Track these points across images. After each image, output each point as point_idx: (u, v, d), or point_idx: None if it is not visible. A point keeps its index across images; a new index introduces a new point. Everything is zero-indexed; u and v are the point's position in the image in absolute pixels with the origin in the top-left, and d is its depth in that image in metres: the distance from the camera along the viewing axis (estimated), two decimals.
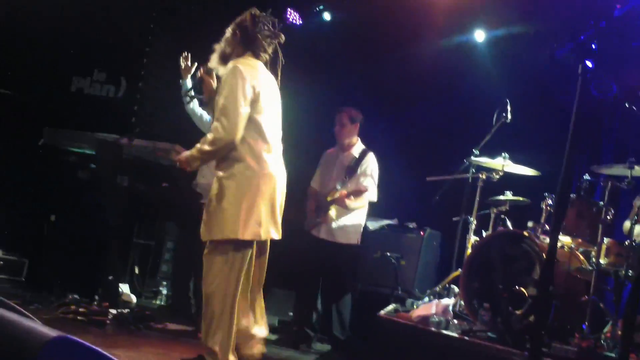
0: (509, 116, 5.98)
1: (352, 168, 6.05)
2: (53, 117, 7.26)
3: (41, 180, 6.42)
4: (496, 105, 6.09)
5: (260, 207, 3.99)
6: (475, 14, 7.43)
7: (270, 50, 4.27)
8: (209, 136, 4.00)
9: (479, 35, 7.54)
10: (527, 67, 6.87)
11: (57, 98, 7.99)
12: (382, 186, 6.14)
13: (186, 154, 4.13)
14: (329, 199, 5.92)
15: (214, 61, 4.23)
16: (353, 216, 5.99)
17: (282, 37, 4.28)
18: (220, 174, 4.02)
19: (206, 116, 5.63)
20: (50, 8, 7.64)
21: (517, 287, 5.04)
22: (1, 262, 6.26)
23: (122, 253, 6.22)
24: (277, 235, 4.16)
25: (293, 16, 8.11)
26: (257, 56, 4.22)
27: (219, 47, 4.23)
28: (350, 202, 5.84)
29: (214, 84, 4.33)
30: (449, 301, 5.41)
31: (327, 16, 8.14)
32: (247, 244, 4.00)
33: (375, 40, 7.95)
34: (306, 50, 8.22)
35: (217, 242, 3.98)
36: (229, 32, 4.22)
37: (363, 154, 6.11)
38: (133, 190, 5.90)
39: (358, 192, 5.83)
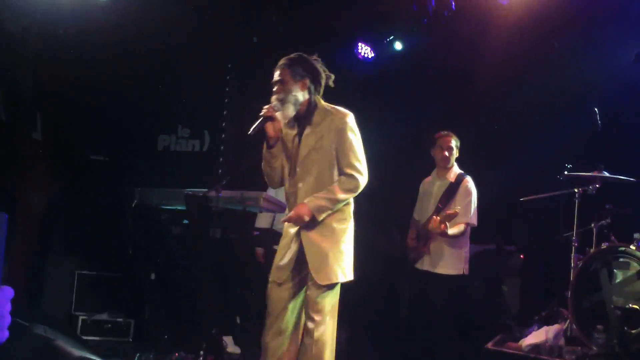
0: (600, 125, 5.76)
1: (449, 194, 5.83)
2: (144, 177, 7.48)
3: (137, 241, 6.58)
4: (584, 116, 5.89)
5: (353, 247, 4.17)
6: (553, 23, 7.25)
7: None
8: (347, 184, 4.03)
9: (557, 44, 7.33)
10: (612, 73, 6.62)
11: (146, 158, 8.23)
12: (477, 210, 5.97)
13: (305, 205, 4.01)
14: (430, 227, 5.71)
15: (288, 111, 4.09)
16: (454, 244, 5.72)
17: (333, 77, 4.24)
18: (329, 217, 4.04)
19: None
20: (129, 69, 7.91)
21: (630, 305, 4.80)
22: (109, 325, 6.43)
23: (222, 305, 6.27)
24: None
25: (364, 50, 8.13)
26: (320, 95, 4.21)
27: (287, 96, 4.08)
28: (446, 229, 5.53)
29: (280, 125, 4.17)
30: (559, 326, 5.19)
31: (398, 46, 8.09)
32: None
33: (449, 62, 7.86)
34: (380, 81, 8.24)
35: (330, 286, 4.02)
36: (290, 78, 4.09)
37: (459, 179, 5.87)
38: (226, 242, 5.96)
39: (449, 217, 5.50)
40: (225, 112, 8.10)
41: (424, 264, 5.79)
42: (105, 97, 7.90)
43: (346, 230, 4.09)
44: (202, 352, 5.53)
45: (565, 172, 5.77)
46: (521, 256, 6.54)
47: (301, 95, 4.10)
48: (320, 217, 4.00)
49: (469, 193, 5.78)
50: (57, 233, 7.51)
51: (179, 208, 6.46)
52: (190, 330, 5.88)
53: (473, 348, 5.48)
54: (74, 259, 7.25)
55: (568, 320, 5.29)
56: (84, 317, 6.75)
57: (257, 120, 4.05)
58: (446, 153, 5.90)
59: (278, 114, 4.05)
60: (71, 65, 7.44)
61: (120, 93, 7.97)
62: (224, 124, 8.03)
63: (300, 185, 4.12)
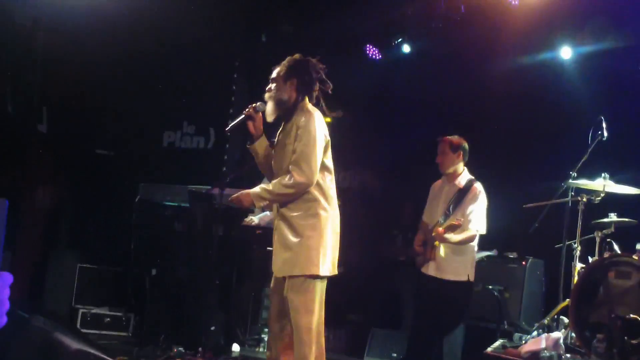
0: (605, 134, 5.74)
1: (457, 200, 5.73)
2: (148, 173, 7.50)
3: (140, 236, 6.59)
4: (590, 124, 5.86)
5: (333, 245, 4.20)
6: (561, 30, 7.24)
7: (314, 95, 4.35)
8: (287, 180, 4.09)
9: (566, 52, 7.31)
10: (619, 82, 6.60)
11: (151, 153, 8.24)
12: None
13: (248, 192, 4.18)
14: (434, 234, 5.71)
15: (270, 110, 4.23)
16: (461, 251, 5.65)
17: (331, 86, 4.32)
18: (293, 213, 4.13)
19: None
20: (136, 65, 7.92)
21: (631, 315, 4.78)
22: (108, 319, 6.45)
23: (222, 302, 6.27)
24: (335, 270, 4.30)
25: (372, 52, 8.13)
26: (311, 101, 4.28)
27: (274, 94, 4.22)
28: (451, 237, 5.49)
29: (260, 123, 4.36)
30: (559, 334, 5.17)
31: (406, 48, 8.08)
32: (323, 279, 4.16)
33: (458, 65, 7.86)
34: (388, 84, 8.23)
35: (297, 279, 4.09)
36: (281, 78, 4.22)
37: (469, 185, 5.76)
38: (228, 239, 5.97)
39: (454, 227, 5.45)
40: (231, 110, 8.10)
41: (430, 269, 5.71)
42: (111, 92, 7.92)
43: (314, 227, 4.12)
44: (200, 349, 5.55)
45: (570, 180, 5.74)
46: (523, 263, 6.52)
47: (287, 96, 4.21)
48: (259, 204, 4.27)
49: (477, 200, 5.67)
50: (61, 226, 7.54)
51: (183, 204, 6.49)
52: (189, 326, 5.89)
53: (473, 354, 5.46)
54: (76, 252, 7.27)
55: (568, 329, 5.28)
56: (84, 311, 6.76)
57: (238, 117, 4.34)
58: (439, 158, 5.86)
59: (258, 115, 4.28)
60: (78, 59, 7.47)
61: (127, 88, 7.99)
62: (229, 122, 8.04)
63: (273, 181, 4.27)
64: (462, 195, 5.71)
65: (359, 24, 7.99)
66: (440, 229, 5.47)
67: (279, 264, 4.17)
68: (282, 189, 4.10)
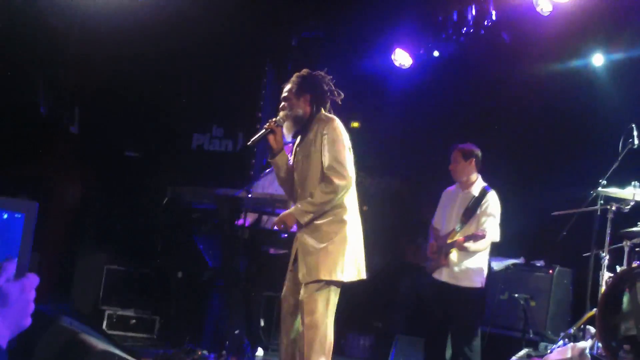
0: (637, 142, 5.67)
1: (472, 208, 5.79)
2: (176, 175, 7.56)
3: (167, 238, 6.64)
4: (621, 132, 5.79)
5: (359, 250, 4.29)
6: (593, 37, 7.16)
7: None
8: (326, 187, 4.16)
9: (597, 59, 7.24)
10: None
11: (180, 156, 8.31)
12: (506, 224, 5.90)
13: (290, 212, 4.23)
14: (449, 241, 5.73)
15: (288, 127, 4.33)
16: (475, 258, 5.73)
17: (342, 96, 4.44)
18: (320, 220, 4.19)
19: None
20: (167, 67, 7.99)
21: None
22: (134, 321, 6.50)
23: (247, 306, 6.29)
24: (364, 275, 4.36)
25: (401, 57, 8.08)
26: (326, 112, 4.40)
27: (289, 112, 4.32)
28: (470, 245, 5.58)
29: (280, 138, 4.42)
30: (585, 344, 5.11)
31: (436, 53, 8.04)
32: (339, 286, 4.22)
33: (486, 72, 7.82)
34: (416, 89, 8.21)
35: (317, 283, 4.14)
36: (293, 95, 4.34)
37: (483, 193, 5.81)
38: (254, 243, 5.98)
39: (476, 237, 5.52)
40: (260, 114, 8.14)
41: (443, 275, 5.79)
42: (142, 94, 8.00)
43: (339, 233, 4.19)
44: (224, 352, 5.56)
45: (599, 188, 5.68)
46: (550, 271, 6.45)
47: (302, 111, 4.33)
48: (304, 220, 4.18)
49: (491, 208, 5.75)
50: (89, 227, 7.62)
51: (210, 207, 6.52)
52: (214, 329, 5.92)
53: None
54: (103, 254, 7.34)
55: (595, 339, 5.21)
56: (110, 312, 6.82)
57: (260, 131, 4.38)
58: (452, 166, 5.94)
59: (279, 129, 4.34)
60: (110, 62, 7.55)
61: (157, 90, 8.06)
62: (258, 126, 8.08)
63: (298, 190, 4.36)
64: (477, 203, 5.78)
65: (389, 28, 7.98)
66: (461, 238, 5.54)
67: (304, 270, 4.18)
68: (324, 196, 4.16)
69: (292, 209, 4.24)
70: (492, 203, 5.78)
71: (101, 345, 4.21)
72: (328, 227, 4.19)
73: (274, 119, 4.36)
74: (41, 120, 7.32)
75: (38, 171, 6.97)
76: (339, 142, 4.22)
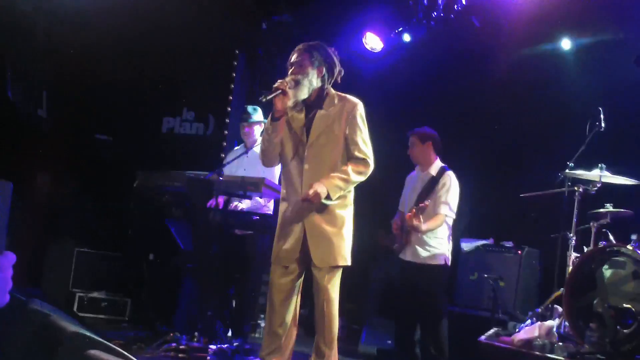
0: (603, 125, 5.75)
1: (429, 187, 5.88)
2: (147, 158, 7.50)
3: (138, 221, 6.61)
4: (588, 115, 5.88)
5: None
6: (561, 22, 7.24)
7: None
8: (362, 166, 4.19)
9: (565, 44, 7.33)
10: (618, 74, 6.61)
11: (150, 139, 8.24)
12: (476, 205, 5.98)
13: (322, 185, 4.09)
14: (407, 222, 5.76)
15: (298, 93, 4.20)
16: (433, 235, 5.75)
17: (342, 72, 4.41)
18: (332, 203, 4.15)
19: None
20: (137, 50, 7.91)
21: (624, 304, 4.81)
22: (105, 303, 6.47)
23: (219, 288, 6.29)
24: None
25: (372, 41, 8.09)
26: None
27: (302, 79, 4.19)
28: (420, 223, 5.51)
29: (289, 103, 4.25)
30: (552, 323, 5.20)
31: (406, 37, 8.06)
32: None
33: (457, 56, 7.86)
34: (387, 73, 8.23)
35: (335, 269, 4.18)
36: (309, 63, 4.23)
37: (440, 173, 5.92)
38: (225, 226, 5.97)
39: (421, 210, 5.46)
40: (230, 97, 8.10)
41: (407, 255, 5.86)
42: (111, 77, 7.90)
43: (348, 217, 4.23)
44: (196, 334, 5.57)
45: (567, 170, 5.77)
46: (519, 252, 6.55)
47: (315, 81, 4.24)
48: (335, 195, 4.10)
49: (447, 186, 5.81)
50: (59, 210, 7.54)
51: (181, 190, 6.49)
52: (185, 311, 5.92)
53: (466, 341, 5.49)
54: (74, 237, 7.28)
55: (562, 318, 5.31)
56: (81, 295, 6.77)
57: (271, 90, 4.13)
58: (410, 150, 6.07)
59: (290, 91, 4.14)
60: (79, 45, 7.45)
61: (127, 73, 7.97)
62: (228, 109, 8.05)
63: (306, 167, 4.21)
64: (434, 183, 5.87)
65: (359, 11, 7.98)
66: (408, 213, 5.53)
67: (320, 255, 4.14)
68: (357, 176, 4.17)
69: (323, 181, 4.09)
70: (448, 181, 5.84)
71: (72, 327, 4.19)
72: (341, 211, 4.20)
73: (286, 80, 4.16)
74: (9, 104, 7.21)
75: (6, 155, 6.87)
76: (365, 127, 4.26)
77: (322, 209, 4.15)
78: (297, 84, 4.17)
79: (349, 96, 4.32)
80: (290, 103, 4.18)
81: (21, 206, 6.81)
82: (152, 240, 6.51)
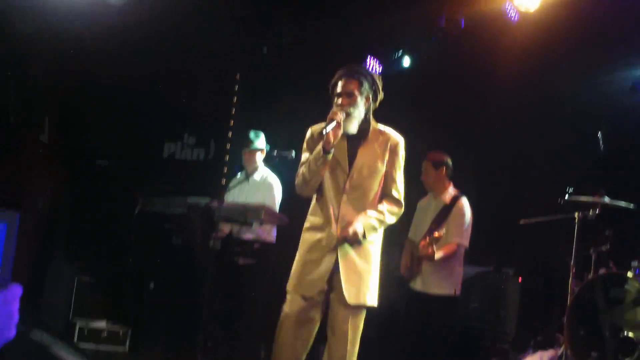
0: (603, 149, 5.76)
1: (443, 215, 5.80)
2: (148, 184, 7.50)
3: (139, 249, 6.59)
4: (589, 140, 5.89)
5: None
6: (559, 45, 7.25)
7: None
8: (395, 208, 4.12)
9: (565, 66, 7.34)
10: (618, 99, 6.62)
11: (151, 164, 8.24)
12: (477, 232, 5.93)
13: (362, 226, 3.99)
14: (421, 248, 5.69)
15: (350, 127, 4.03)
16: (445, 265, 5.66)
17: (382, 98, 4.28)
18: (368, 240, 4.05)
19: None
20: (138, 75, 7.93)
21: (625, 333, 4.80)
22: (105, 334, 6.43)
23: (220, 317, 6.27)
24: None
25: (372, 64, 8.14)
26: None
27: (353, 111, 4.01)
28: (433, 254, 5.40)
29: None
30: (554, 351, 5.18)
31: (406, 62, 8.09)
32: None
33: (457, 79, 7.88)
34: (388, 95, 8.25)
35: (362, 309, 4.05)
36: (359, 93, 4.03)
37: (454, 200, 5.82)
38: (226, 253, 5.97)
39: (436, 240, 5.36)
40: (232, 122, 8.11)
41: (417, 284, 5.78)
42: (113, 102, 7.93)
43: (378, 254, 4.13)
44: None
45: (567, 196, 5.75)
46: (519, 279, 6.52)
47: (364, 112, 4.09)
48: (369, 236, 4.02)
49: (461, 214, 5.73)
50: (60, 237, 7.53)
51: (182, 217, 6.50)
52: (186, 341, 5.89)
53: None
54: (74, 265, 7.25)
55: (563, 346, 5.29)
56: (82, 325, 6.67)
57: (329, 122, 3.92)
58: (423, 176, 5.96)
59: (342, 123, 3.96)
60: (80, 69, 7.48)
61: (128, 99, 8.00)
62: (230, 134, 8.05)
63: (345, 198, 4.06)
64: (448, 210, 5.78)
65: (360, 35, 8.01)
66: (423, 242, 5.45)
67: (354, 292, 3.97)
68: (391, 217, 4.09)
69: (361, 220, 3.98)
70: (462, 210, 5.77)
71: (72, 359, 4.18)
72: (372, 247, 4.08)
73: (342, 111, 3.97)
74: (10, 129, 7.23)
75: (7, 181, 6.88)
76: (403, 166, 4.18)
77: (361, 245, 4.04)
78: (347, 115, 3.99)
79: (392, 130, 4.20)
80: (337, 138, 3.98)
81: (21, 233, 6.80)
82: (153, 267, 6.48)
